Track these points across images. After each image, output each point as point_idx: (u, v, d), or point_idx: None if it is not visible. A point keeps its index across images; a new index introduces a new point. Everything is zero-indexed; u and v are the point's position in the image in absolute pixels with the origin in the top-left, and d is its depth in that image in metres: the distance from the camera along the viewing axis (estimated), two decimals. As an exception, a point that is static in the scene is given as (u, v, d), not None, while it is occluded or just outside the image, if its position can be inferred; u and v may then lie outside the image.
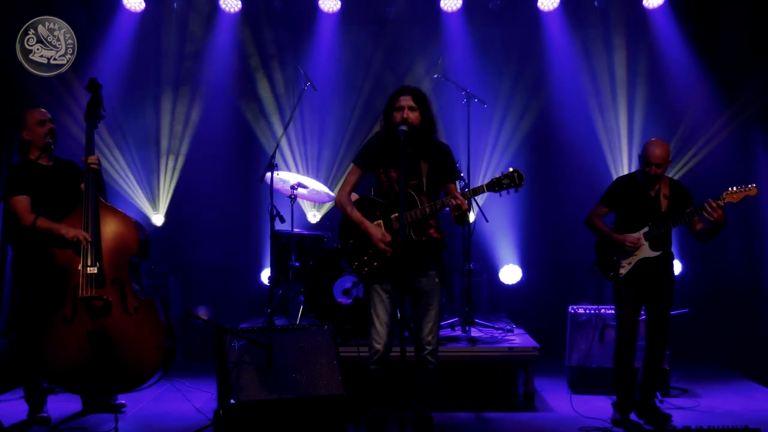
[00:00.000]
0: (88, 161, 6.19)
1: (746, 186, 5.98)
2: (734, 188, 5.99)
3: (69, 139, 8.43)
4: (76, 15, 8.76)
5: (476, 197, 5.72)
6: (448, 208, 5.48)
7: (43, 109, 6.47)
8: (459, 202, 5.31)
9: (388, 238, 5.48)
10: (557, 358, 8.21)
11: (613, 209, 6.49)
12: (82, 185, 6.27)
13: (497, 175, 5.34)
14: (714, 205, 5.90)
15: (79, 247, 6.02)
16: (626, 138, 9.37)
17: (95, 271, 5.97)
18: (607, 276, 6.41)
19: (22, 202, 6.17)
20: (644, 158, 6.24)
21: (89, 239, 5.98)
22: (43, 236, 6.09)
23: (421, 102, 5.55)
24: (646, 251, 6.25)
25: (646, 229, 6.25)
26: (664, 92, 9.57)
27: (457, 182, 5.86)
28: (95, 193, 6.16)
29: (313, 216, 9.91)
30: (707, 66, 9.38)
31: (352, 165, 5.80)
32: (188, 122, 9.80)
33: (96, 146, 6.46)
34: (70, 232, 6.01)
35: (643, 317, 6.50)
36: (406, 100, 5.52)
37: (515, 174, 5.30)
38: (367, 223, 5.59)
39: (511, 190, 5.35)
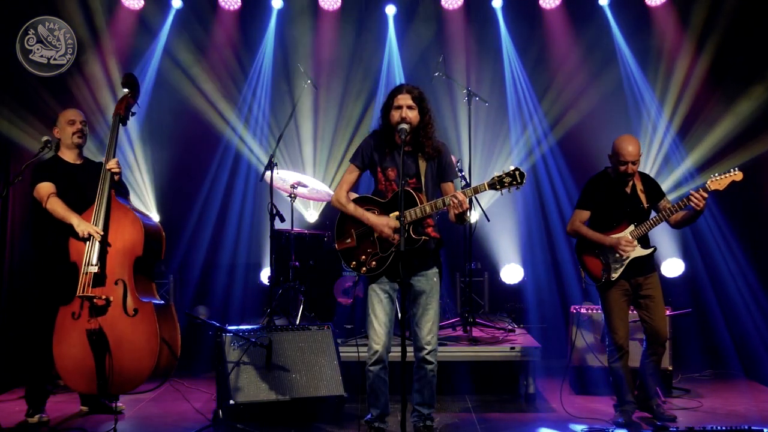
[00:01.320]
0: (107, 166, 6.13)
1: (730, 171, 5.94)
2: (717, 175, 5.95)
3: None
4: (74, 12, 8.73)
5: (478, 197, 5.68)
6: (445, 207, 5.44)
7: (77, 110, 6.57)
8: (461, 200, 5.27)
9: (393, 223, 5.44)
10: (559, 358, 8.21)
11: (591, 211, 6.42)
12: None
13: (499, 174, 5.30)
14: (698, 196, 5.86)
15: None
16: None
17: (96, 270, 5.90)
18: (597, 281, 6.34)
19: (44, 187, 6.22)
20: (616, 156, 6.19)
21: (101, 233, 5.93)
22: (63, 231, 6.06)
23: (420, 101, 5.52)
24: (637, 250, 6.21)
25: (631, 228, 6.21)
26: (668, 88, 9.52)
27: (457, 181, 5.80)
28: (109, 194, 6.10)
29: (310, 215, 9.88)
30: (711, 63, 9.32)
31: (349, 164, 5.76)
32: (187, 120, 9.78)
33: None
34: (80, 225, 5.96)
35: (635, 320, 6.45)
36: (405, 99, 5.49)
37: (517, 172, 5.27)
38: (368, 214, 5.56)
39: (513, 188, 5.30)
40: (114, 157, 6.17)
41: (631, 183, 6.27)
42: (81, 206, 6.14)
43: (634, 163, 6.14)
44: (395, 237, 5.41)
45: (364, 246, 5.59)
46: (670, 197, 6.54)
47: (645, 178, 6.40)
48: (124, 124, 6.32)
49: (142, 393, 6.28)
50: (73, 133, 6.41)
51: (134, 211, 6.16)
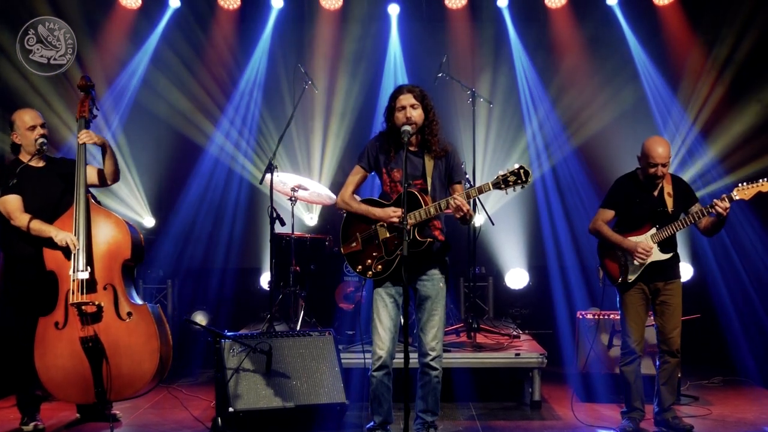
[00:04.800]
0: (80, 141, 6.00)
1: (757, 181, 5.85)
2: (745, 184, 5.86)
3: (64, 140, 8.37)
4: (73, 13, 8.70)
5: (483, 200, 5.56)
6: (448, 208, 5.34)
7: (34, 111, 6.26)
8: (459, 203, 5.16)
9: (399, 210, 5.32)
10: (565, 364, 8.16)
11: (616, 211, 6.32)
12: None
13: (503, 172, 5.18)
14: (722, 205, 5.77)
15: (69, 251, 5.87)
16: (635, 138, 9.21)
17: (86, 276, 5.82)
18: (614, 281, 6.24)
19: (11, 202, 6.01)
20: (646, 159, 6.07)
21: (76, 245, 5.82)
22: (36, 240, 5.94)
23: (422, 98, 5.44)
24: (655, 254, 6.10)
25: (653, 231, 6.10)
26: (675, 89, 9.48)
27: (464, 183, 5.70)
28: (86, 198, 5.99)
29: (310, 218, 9.85)
30: (718, 63, 9.26)
31: (355, 165, 5.69)
32: (180, 123, 9.74)
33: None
34: (59, 234, 5.86)
35: (653, 324, 6.34)
36: (407, 99, 5.41)
37: (522, 170, 5.14)
38: (373, 209, 5.49)
39: (518, 188, 5.18)
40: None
41: (659, 186, 6.15)
42: (50, 210, 6.05)
43: (663, 165, 6.02)
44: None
45: (369, 250, 5.50)
46: (698, 194, 6.44)
47: (678, 182, 6.28)
48: (88, 126, 6.17)
49: (138, 397, 6.19)
50: (36, 140, 6.10)
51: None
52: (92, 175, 6.19)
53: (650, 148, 6.04)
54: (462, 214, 5.21)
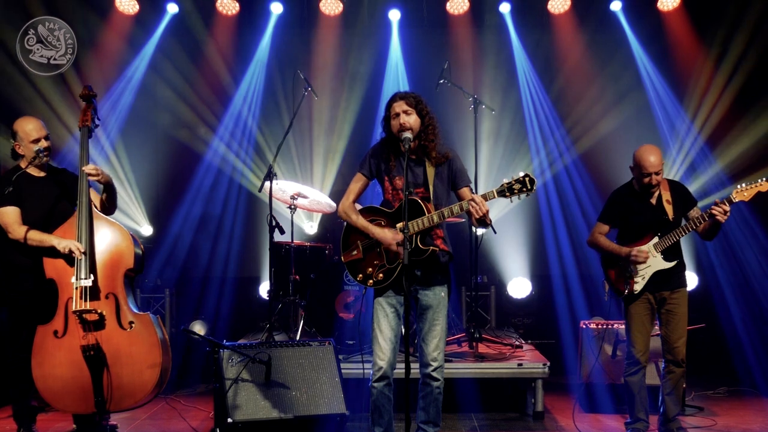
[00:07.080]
0: (85, 170, 5.94)
1: (756, 182, 5.78)
2: (744, 185, 5.79)
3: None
4: (72, 17, 8.68)
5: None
6: (455, 216, 5.27)
7: (37, 122, 6.15)
8: (478, 203, 5.08)
9: (401, 236, 5.26)
10: (568, 374, 8.16)
11: (615, 225, 6.27)
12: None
13: (508, 180, 5.12)
14: (720, 209, 5.71)
15: (71, 259, 5.80)
16: (638, 146, 9.17)
17: (89, 284, 5.75)
18: (620, 293, 6.18)
19: (9, 214, 5.94)
20: (639, 169, 6.02)
21: (82, 250, 5.76)
22: (34, 249, 5.87)
23: (416, 105, 5.38)
24: (659, 263, 6.03)
25: (655, 240, 6.04)
26: (679, 97, 9.46)
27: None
28: (89, 206, 5.92)
29: (310, 227, 9.83)
30: (722, 67, 9.23)
31: (356, 172, 5.63)
32: (178, 131, 9.73)
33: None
34: (61, 242, 5.79)
35: (658, 333, 6.27)
36: (400, 106, 5.36)
37: (527, 178, 5.09)
38: (373, 228, 5.41)
39: (523, 196, 5.12)
40: (88, 163, 5.97)
41: (656, 194, 6.09)
42: (50, 220, 5.99)
43: (657, 173, 5.97)
44: (401, 252, 5.24)
45: (370, 258, 5.44)
46: (700, 204, 6.35)
47: (675, 186, 6.22)
48: (91, 135, 6.11)
49: (138, 407, 6.12)
50: (41, 153, 6.01)
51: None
52: (92, 199, 6.12)
53: (642, 157, 5.97)
54: (480, 215, 5.12)
